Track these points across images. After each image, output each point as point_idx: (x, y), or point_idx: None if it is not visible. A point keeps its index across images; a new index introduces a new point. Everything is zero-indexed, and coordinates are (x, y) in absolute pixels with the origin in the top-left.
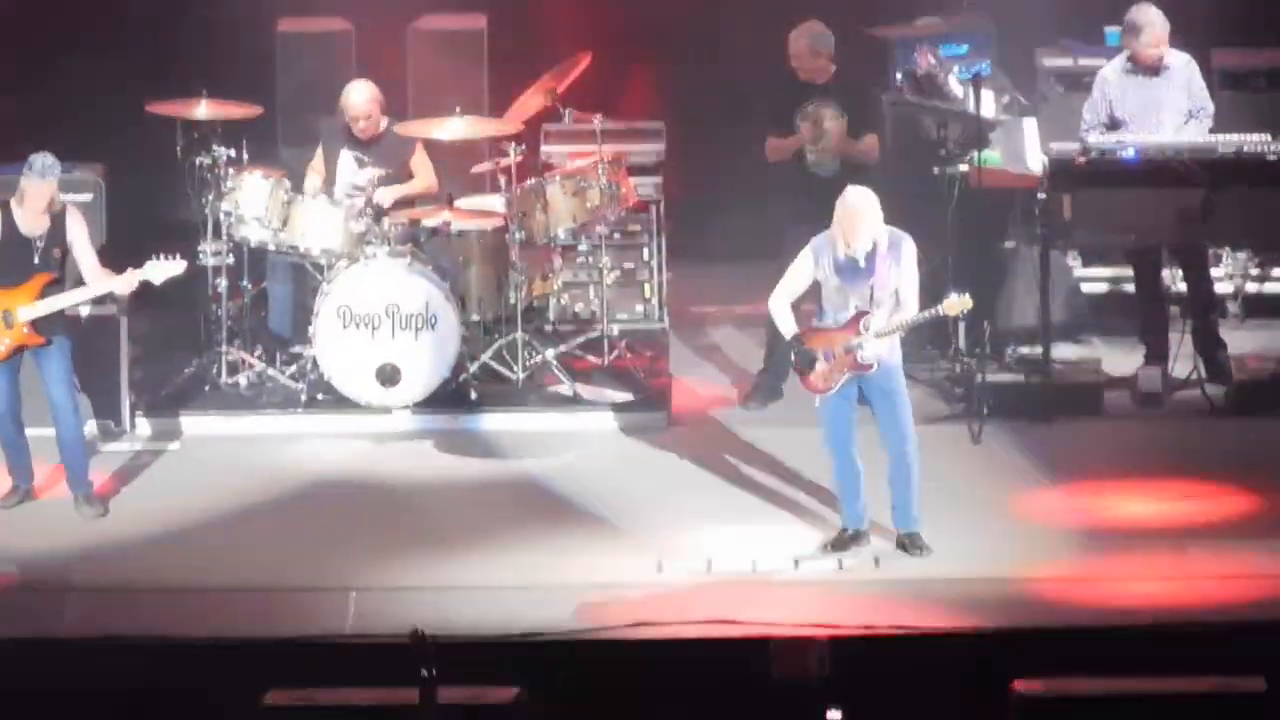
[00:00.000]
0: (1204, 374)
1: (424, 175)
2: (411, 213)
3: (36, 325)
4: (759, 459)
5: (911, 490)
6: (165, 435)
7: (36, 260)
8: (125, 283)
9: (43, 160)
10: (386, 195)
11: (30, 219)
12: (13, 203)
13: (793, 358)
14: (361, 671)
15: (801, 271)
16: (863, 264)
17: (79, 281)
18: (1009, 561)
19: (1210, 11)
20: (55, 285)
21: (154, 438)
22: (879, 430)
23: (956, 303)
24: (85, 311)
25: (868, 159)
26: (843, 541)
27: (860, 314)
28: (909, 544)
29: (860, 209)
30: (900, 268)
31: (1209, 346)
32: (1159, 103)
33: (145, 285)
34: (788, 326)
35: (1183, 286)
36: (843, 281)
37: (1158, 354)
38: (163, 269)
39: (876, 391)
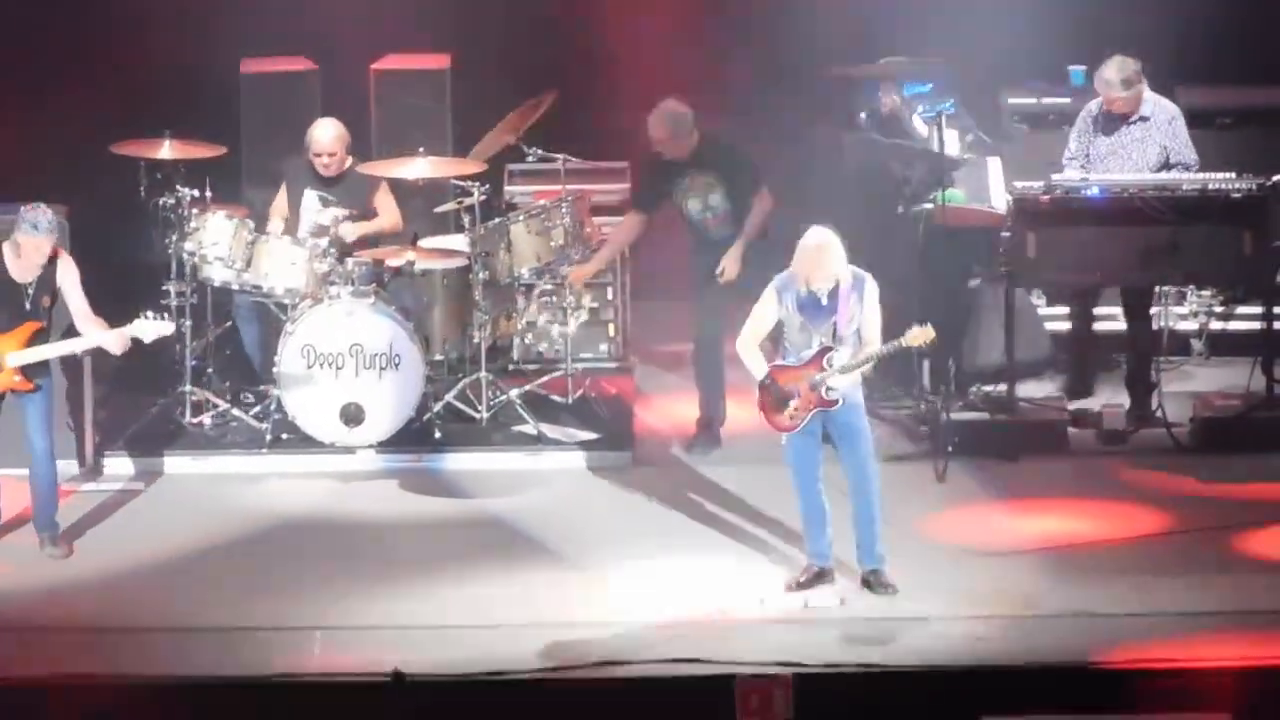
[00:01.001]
0: (1165, 413)
1: (388, 213)
2: (375, 252)
3: (25, 371)
4: (724, 497)
5: (875, 527)
6: (130, 474)
7: (28, 306)
8: (117, 341)
9: (42, 217)
10: (351, 231)
11: (23, 267)
12: (5, 247)
13: (763, 397)
14: (335, 711)
15: (766, 312)
16: (825, 301)
17: (67, 327)
18: (974, 599)
19: (1175, 49)
20: (43, 333)
21: (118, 477)
22: (842, 468)
23: (919, 333)
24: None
25: (767, 223)
26: (808, 579)
27: (824, 350)
28: (874, 581)
29: (821, 249)
30: (863, 305)
31: (1144, 388)
32: (1125, 151)
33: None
34: (758, 367)
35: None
36: (806, 319)
37: (1080, 389)
38: (153, 328)
39: (840, 429)
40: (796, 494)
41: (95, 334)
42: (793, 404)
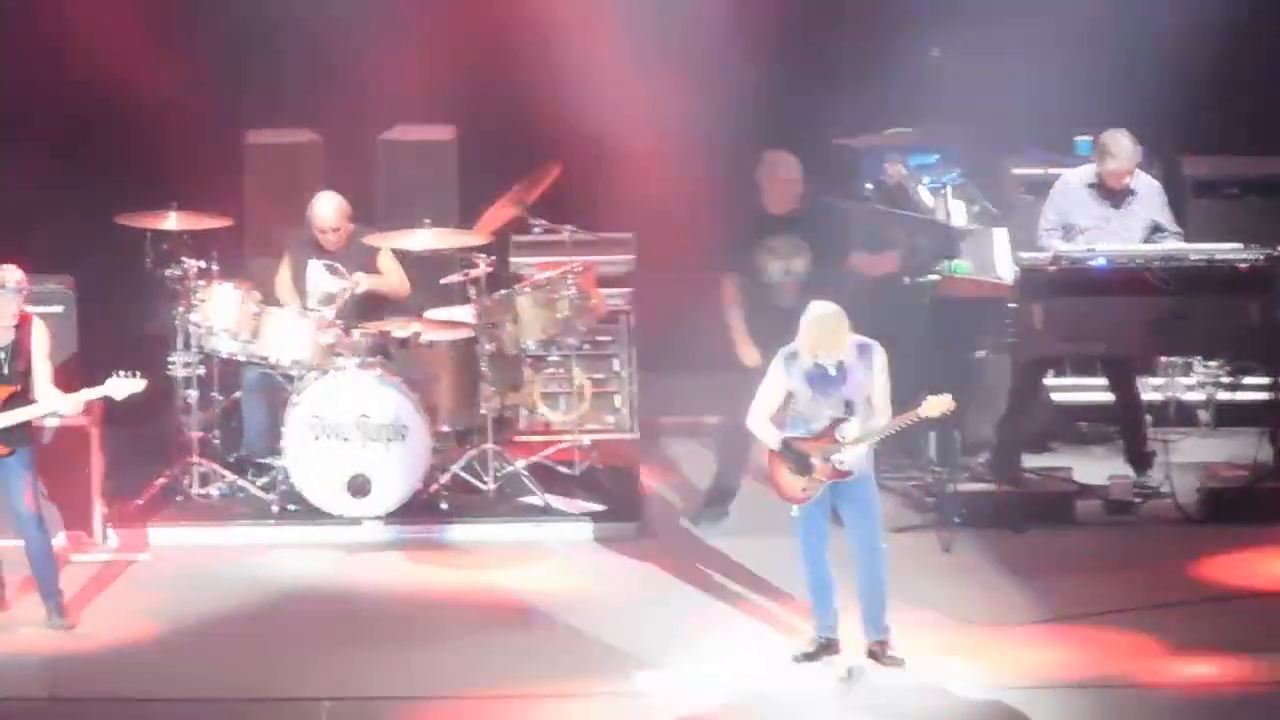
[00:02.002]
0: (1175, 487)
1: (394, 274)
2: (381, 324)
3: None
4: (730, 568)
5: (881, 599)
6: (137, 546)
7: (5, 371)
8: (71, 403)
9: (9, 276)
10: (363, 281)
11: None
12: None
13: (775, 468)
14: None
15: (775, 385)
16: (833, 373)
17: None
18: (981, 670)
19: (1181, 120)
20: (18, 398)
21: (125, 549)
22: (848, 540)
23: (936, 403)
24: (53, 423)
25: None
26: (815, 651)
27: (835, 422)
28: (879, 653)
29: (826, 324)
30: (872, 373)
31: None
32: (1111, 225)
33: (110, 399)
34: (772, 437)
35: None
36: (815, 392)
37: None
38: (124, 386)
39: (849, 500)
40: (804, 565)
41: (51, 398)
42: (809, 471)
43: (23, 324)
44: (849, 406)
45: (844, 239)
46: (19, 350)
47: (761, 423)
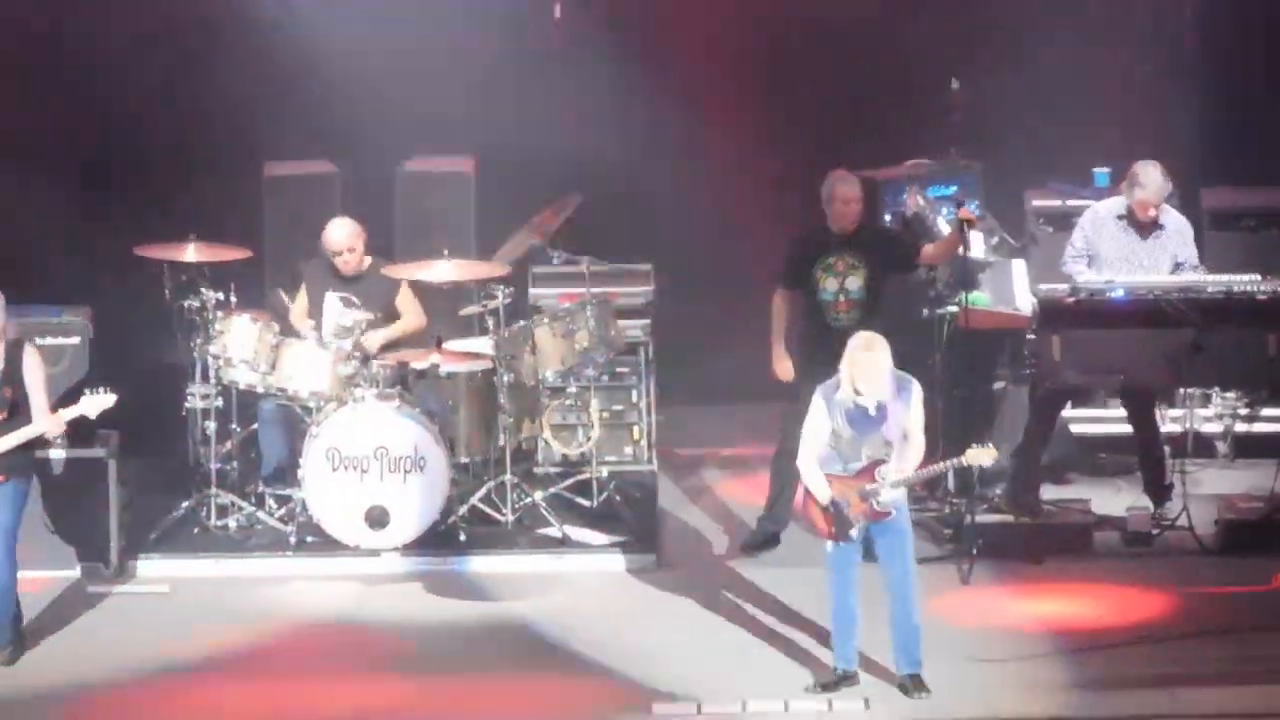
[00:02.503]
0: (1192, 519)
1: (412, 314)
2: (400, 355)
3: None
4: (748, 598)
5: (915, 633)
6: (154, 578)
7: None
8: (54, 423)
9: None
10: (375, 340)
11: None
12: None
13: (814, 505)
14: None
15: (819, 424)
16: (873, 412)
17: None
18: (999, 702)
19: (1199, 152)
20: (6, 424)
21: (143, 580)
22: (883, 572)
23: (978, 454)
24: (59, 455)
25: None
26: (833, 682)
27: (875, 463)
28: (911, 686)
29: (870, 353)
30: (909, 410)
31: (1161, 490)
32: (1137, 257)
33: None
34: (822, 491)
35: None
36: (856, 432)
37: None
38: (96, 403)
39: (884, 534)
40: (830, 597)
41: (37, 421)
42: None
43: (13, 351)
44: (888, 446)
45: (906, 255)
46: (10, 377)
47: (811, 467)
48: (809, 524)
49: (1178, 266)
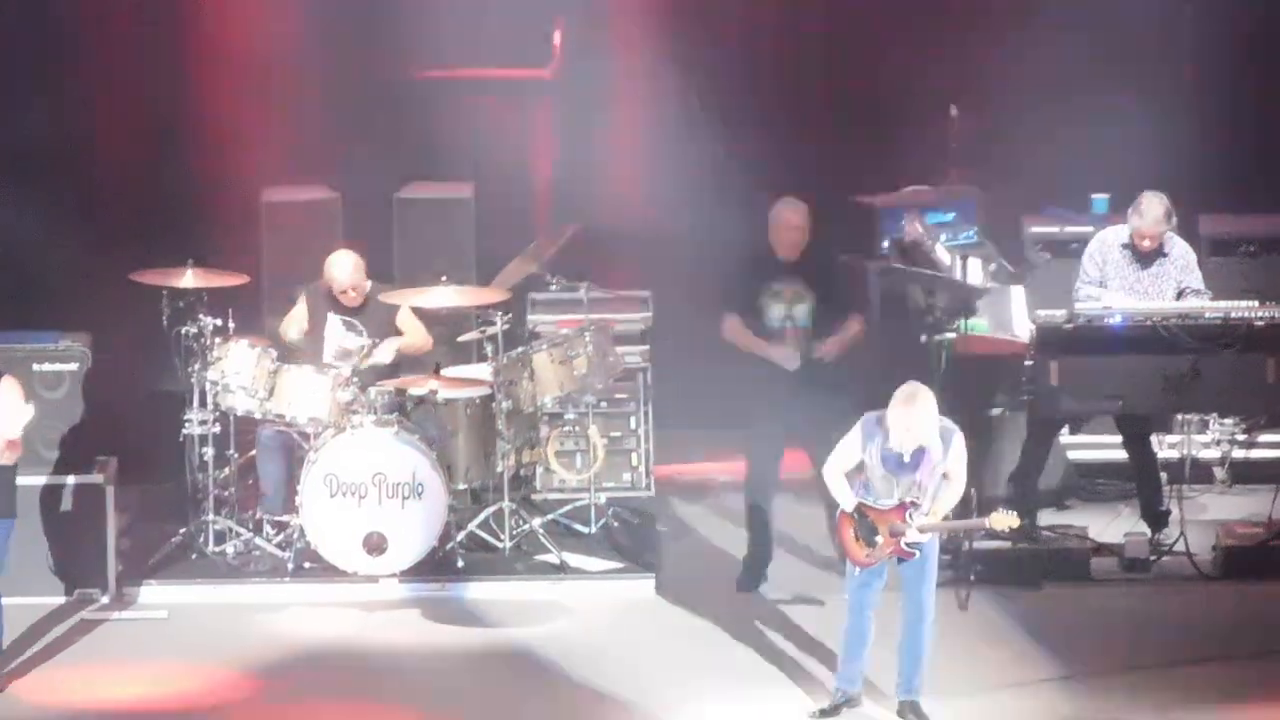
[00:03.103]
0: (1190, 545)
1: (415, 331)
2: (398, 381)
3: None
4: (747, 624)
5: (920, 662)
6: (152, 604)
7: None
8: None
9: None
10: (388, 350)
11: None
12: None
13: (846, 528)
14: None
15: (851, 450)
16: (908, 459)
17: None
18: None
19: (1197, 178)
20: None
21: (140, 606)
22: (902, 598)
23: (1003, 518)
24: (71, 481)
25: (853, 344)
26: (835, 706)
27: (907, 504)
28: (909, 712)
29: (918, 413)
30: (948, 459)
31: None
32: (1141, 284)
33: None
34: (846, 498)
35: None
36: (888, 471)
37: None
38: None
39: (910, 565)
40: (847, 616)
41: None
42: (875, 543)
43: None
44: (920, 489)
45: (847, 293)
46: None
47: (838, 478)
48: (839, 547)
49: (1182, 294)
